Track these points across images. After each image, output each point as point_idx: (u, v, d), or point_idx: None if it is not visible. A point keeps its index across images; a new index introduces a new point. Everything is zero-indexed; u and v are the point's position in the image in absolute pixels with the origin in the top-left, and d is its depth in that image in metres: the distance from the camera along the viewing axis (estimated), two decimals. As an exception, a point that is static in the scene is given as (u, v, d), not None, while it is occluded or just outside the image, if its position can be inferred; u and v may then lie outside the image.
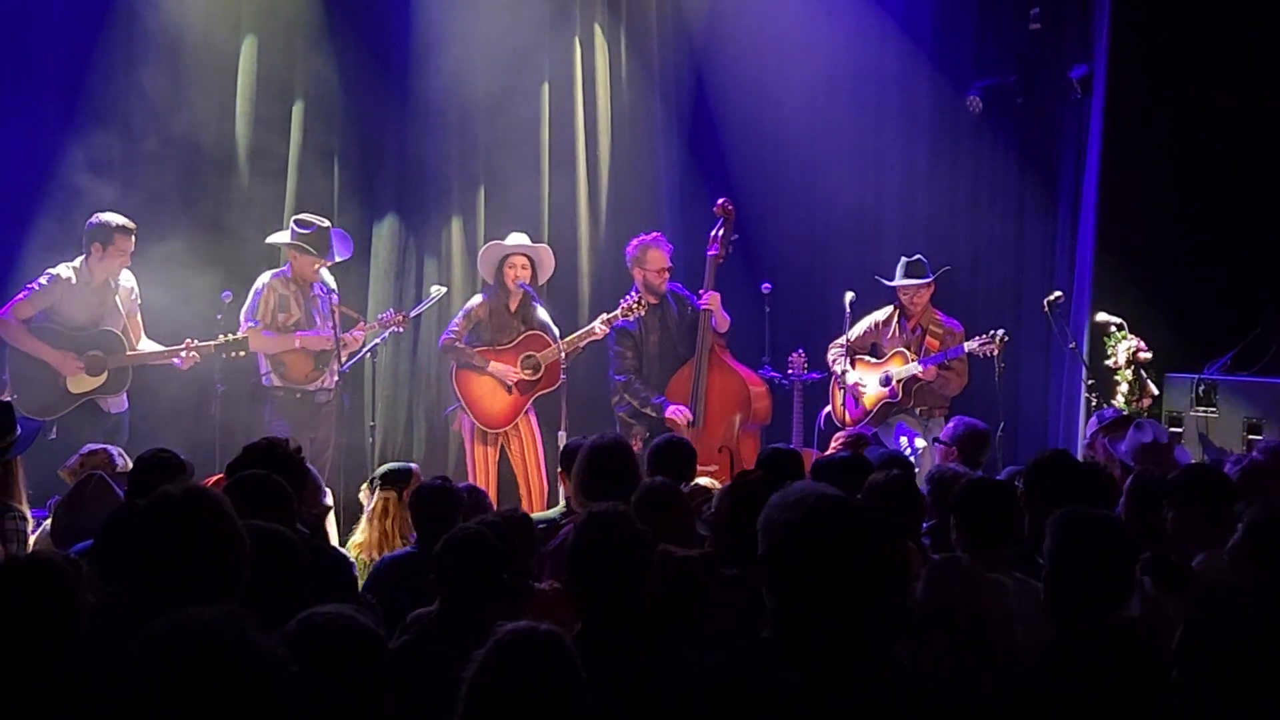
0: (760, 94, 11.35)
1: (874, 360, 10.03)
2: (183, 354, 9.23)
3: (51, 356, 9.04)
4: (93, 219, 9.19)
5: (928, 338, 9.93)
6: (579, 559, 4.14)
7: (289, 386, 9.51)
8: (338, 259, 9.68)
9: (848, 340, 9.89)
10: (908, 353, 9.88)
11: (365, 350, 9.68)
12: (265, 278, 9.57)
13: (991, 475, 6.73)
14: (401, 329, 9.82)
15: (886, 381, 9.88)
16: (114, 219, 9.17)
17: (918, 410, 9.88)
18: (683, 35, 11.51)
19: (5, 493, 6.25)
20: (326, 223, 9.62)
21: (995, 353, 9.55)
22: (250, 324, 9.43)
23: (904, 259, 10.08)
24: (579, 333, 9.76)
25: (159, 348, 9.35)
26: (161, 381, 9.57)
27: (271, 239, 9.77)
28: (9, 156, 9.98)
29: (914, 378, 9.82)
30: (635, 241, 9.96)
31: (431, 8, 10.79)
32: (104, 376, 9.15)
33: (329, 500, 6.73)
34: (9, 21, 10.07)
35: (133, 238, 9.23)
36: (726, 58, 11.43)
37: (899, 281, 10.01)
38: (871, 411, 9.87)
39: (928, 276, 9.99)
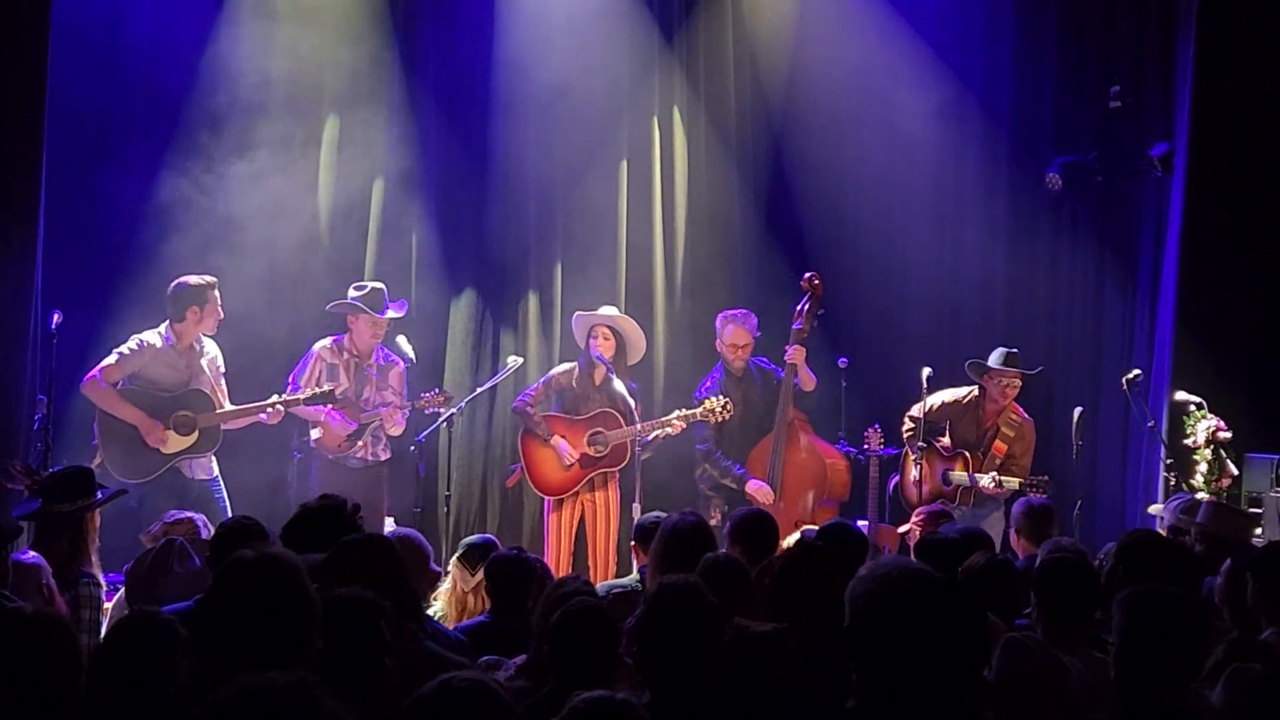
0: (839, 170, 11.37)
1: (945, 451, 9.86)
2: (269, 410, 9.25)
3: (140, 421, 8.99)
4: (180, 283, 9.20)
5: (997, 440, 9.76)
6: (649, 629, 4.14)
7: (321, 451, 9.60)
8: (391, 315, 9.64)
9: (924, 414, 9.75)
10: (968, 456, 9.71)
11: (441, 420, 9.71)
12: (320, 344, 9.64)
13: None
14: (444, 409, 9.67)
15: (946, 482, 9.72)
16: (199, 279, 9.22)
17: (961, 507, 9.59)
18: (761, 112, 11.54)
19: (78, 558, 6.30)
20: (381, 285, 9.69)
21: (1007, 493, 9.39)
22: (293, 390, 9.47)
23: (1002, 348, 9.90)
24: (657, 421, 9.75)
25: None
26: (243, 450, 9.63)
27: (330, 306, 9.79)
28: (99, 225, 10.28)
29: (969, 488, 9.64)
30: (722, 314, 10.05)
31: (512, 85, 10.95)
32: (195, 435, 9.11)
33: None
34: (94, 99, 10.31)
35: (218, 291, 9.28)
36: (805, 134, 11.46)
37: (998, 365, 9.78)
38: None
39: (1022, 368, 9.82)
